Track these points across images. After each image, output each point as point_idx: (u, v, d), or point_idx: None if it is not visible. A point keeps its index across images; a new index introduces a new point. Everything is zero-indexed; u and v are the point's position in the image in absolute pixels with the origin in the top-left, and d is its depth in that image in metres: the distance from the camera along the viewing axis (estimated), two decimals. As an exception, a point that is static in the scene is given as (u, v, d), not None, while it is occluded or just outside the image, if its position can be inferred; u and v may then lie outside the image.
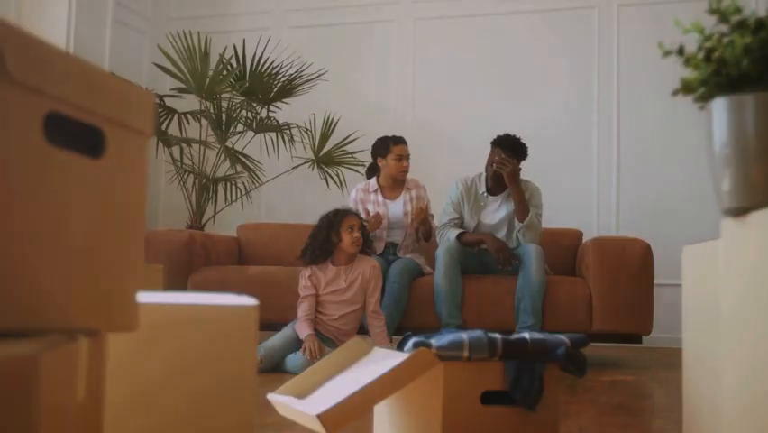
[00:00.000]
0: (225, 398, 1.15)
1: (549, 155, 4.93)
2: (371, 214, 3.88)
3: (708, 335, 1.32)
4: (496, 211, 3.85)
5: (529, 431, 1.69)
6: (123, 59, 5.37)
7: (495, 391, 1.68)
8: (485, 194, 3.88)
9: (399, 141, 3.99)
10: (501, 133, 3.86)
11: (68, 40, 4.90)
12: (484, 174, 3.91)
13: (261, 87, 5.00)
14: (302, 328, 3.30)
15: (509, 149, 3.76)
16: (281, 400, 1.69)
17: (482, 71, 5.24)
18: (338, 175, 5.05)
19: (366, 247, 3.47)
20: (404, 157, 3.97)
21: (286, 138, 5.11)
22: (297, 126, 5.11)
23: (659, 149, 4.89)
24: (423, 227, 3.89)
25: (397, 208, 3.97)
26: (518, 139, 3.81)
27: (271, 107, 5.15)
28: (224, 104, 4.98)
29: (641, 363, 3.78)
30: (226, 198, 5.06)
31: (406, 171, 4.00)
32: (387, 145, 3.97)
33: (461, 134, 5.14)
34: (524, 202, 3.73)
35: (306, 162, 5.10)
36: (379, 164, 4.00)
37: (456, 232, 3.79)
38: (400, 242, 3.97)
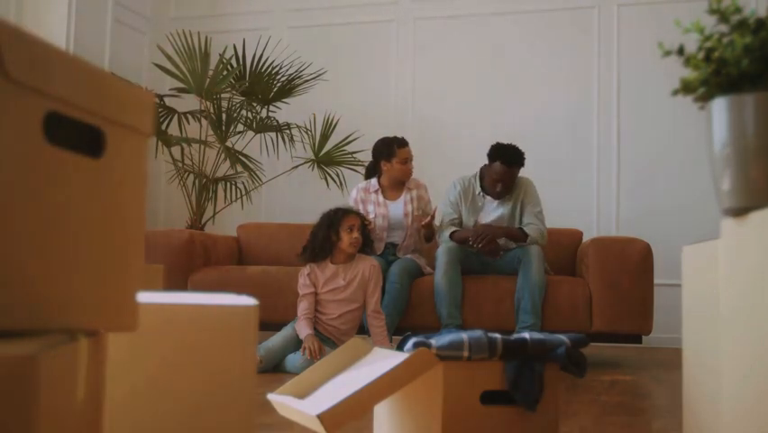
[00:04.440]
0: (225, 398, 1.15)
1: (549, 155, 4.93)
2: (371, 214, 3.89)
3: (707, 334, 1.32)
4: (494, 211, 3.85)
5: (529, 431, 1.69)
6: (123, 59, 5.37)
7: (495, 391, 1.68)
8: (481, 194, 3.88)
9: (403, 143, 3.98)
10: (497, 144, 3.80)
11: (68, 40, 4.89)
12: (478, 174, 3.91)
13: (261, 87, 5.00)
14: (302, 328, 3.30)
15: (511, 164, 3.71)
16: (281, 400, 1.69)
17: (482, 71, 5.24)
18: (338, 175, 5.05)
19: (366, 247, 3.47)
20: (409, 159, 3.96)
21: (286, 138, 5.11)
22: (297, 126, 5.11)
23: (659, 149, 4.89)
24: (426, 231, 3.89)
25: (397, 209, 3.97)
26: (515, 148, 3.75)
27: (271, 107, 5.15)
28: (224, 104, 4.98)
29: (641, 363, 3.78)
30: (226, 198, 5.06)
31: (411, 173, 4.00)
32: (391, 149, 3.95)
33: (461, 134, 5.14)
34: (516, 235, 3.73)
35: (306, 162, 5.11)
36: (383, 168, 3.98)
37: (449, 231, 3.80)
38: (400, 242, 3.97)
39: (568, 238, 4.19)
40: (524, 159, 3.78)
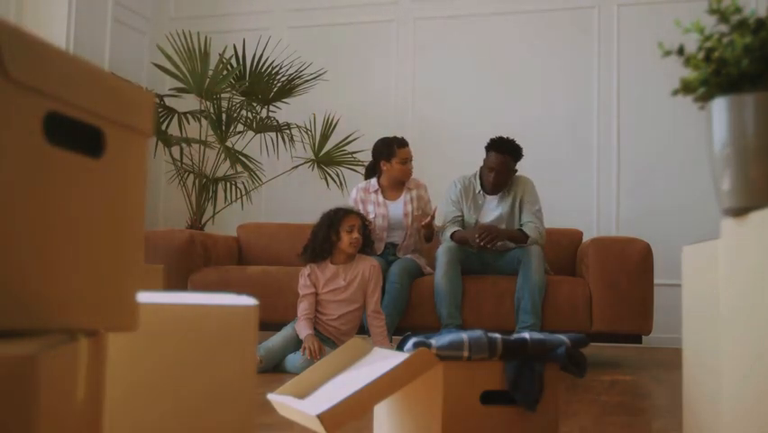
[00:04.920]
0: (225, 398, 1.15)
1: (549, 155, 4.93)
2: (371, 214, 3.90)
3: (707, 334, 1.32)
4: (494, 210, 3.86)
5: (529, 431, 1.69)
6: (123, 59, 5.37)
7: (495, 391, 1.68)
8: (481, 193, 3.89)
9: (403, 144, 3.98)
10: (495, 137, 3.84)
11: (68, 40, 4.89)
12: (478, 173, 3.92)
13: (261, 87, 5.00)
14: (302, 328, 3.30)
15: (503, 152, 3.76)
16: (281, 400, 1.69)
17: (482, 71, 5.24)
18: (338, 175, 5.05)
19: (366, 247, 3.46)
20: (408, 160, 3.96)
21: (286, 138, 5.11)
22: (297, 126, 5.11)
23: (659, 149, 4.89)
24: (426, 231, 3.89)
25: (397, 209, 3.97)
26: (512, 140, 3.80)
27: (271, 107, 5.15)
28: (224, 104, 4.98)
29: (641, 363, 3.78)
30: (226, 198, 5.06)
31: (411, 174, 4.00)
32: (391, 149, 3.95)
33: (461, 134, 5.14)
34: (517, 237, 3.74)
35: (306, 162, 5.11)
36: (383, 167, 3.98)
37: (451, 230, 3.81)
38: (400, 242, 3.97)
39: (568, 238, 4.19)
40: (520, 152, 3.80)
